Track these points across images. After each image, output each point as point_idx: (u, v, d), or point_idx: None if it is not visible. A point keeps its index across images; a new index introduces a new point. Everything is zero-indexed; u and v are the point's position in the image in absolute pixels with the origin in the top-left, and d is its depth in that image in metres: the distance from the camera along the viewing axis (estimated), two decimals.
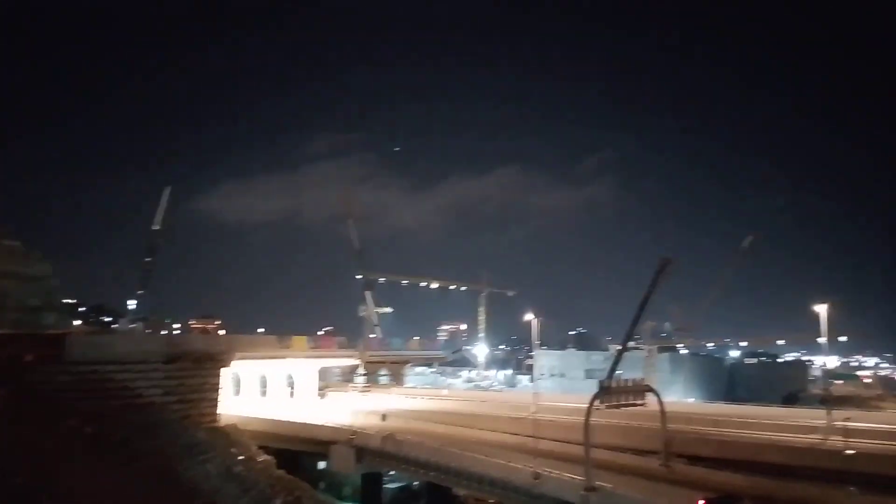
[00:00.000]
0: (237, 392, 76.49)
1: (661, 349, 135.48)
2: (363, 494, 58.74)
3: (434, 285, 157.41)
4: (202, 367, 59.60)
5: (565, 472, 41.82)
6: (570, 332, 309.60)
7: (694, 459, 46.06)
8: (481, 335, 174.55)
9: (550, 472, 42.61)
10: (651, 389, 48.45)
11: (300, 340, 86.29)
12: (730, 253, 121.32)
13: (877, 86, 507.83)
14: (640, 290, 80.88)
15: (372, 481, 58.32)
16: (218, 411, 60.81)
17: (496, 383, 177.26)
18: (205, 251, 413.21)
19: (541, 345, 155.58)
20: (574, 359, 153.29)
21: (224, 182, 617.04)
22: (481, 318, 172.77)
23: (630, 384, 47.46)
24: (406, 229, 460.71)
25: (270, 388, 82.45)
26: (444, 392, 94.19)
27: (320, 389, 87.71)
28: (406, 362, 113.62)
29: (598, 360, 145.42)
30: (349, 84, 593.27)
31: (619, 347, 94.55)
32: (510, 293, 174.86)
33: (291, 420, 63.32)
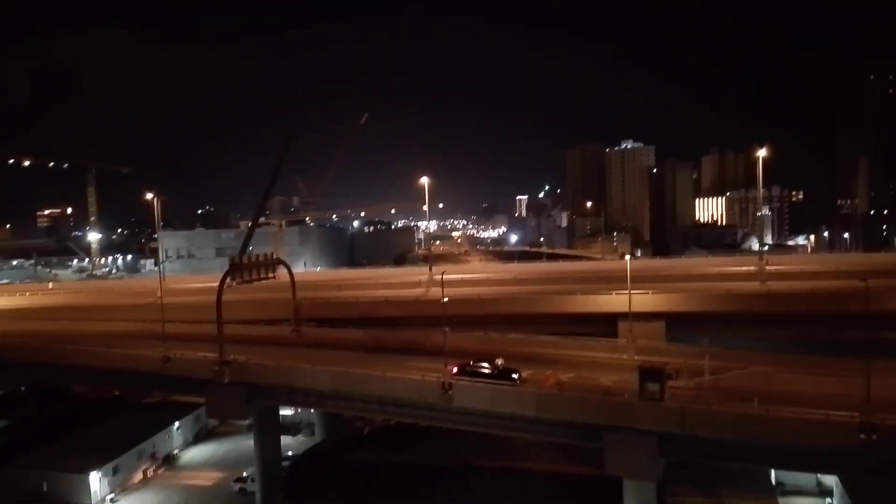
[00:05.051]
0: None
1: (290, 223, 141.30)
2: None
3: (25, 162, 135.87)
4: None
5: (198, 352, 41.79)
6: (197, 211, 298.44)
7: (322, 321, 50.48)
8: (93, 219, 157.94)
9: (183, 355, 42.13)
10: (282, 262, 50.52)
11: None
12: (348, 129, 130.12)
13: None
14: (268, 167, 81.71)
15: None
16: None
17: (115, 270, 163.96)
18: None
19: (165, 225, 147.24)
20: (203, 238, 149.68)
21: None
22: (91, 199, 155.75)
23: (261, 259, 48.59)
24: None
25: None
26: (50, 286, 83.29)
27: None
28: None
29: (229, 237, 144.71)
30: None
31: (250, 224, 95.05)
32: (125, 170, 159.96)
33: None
